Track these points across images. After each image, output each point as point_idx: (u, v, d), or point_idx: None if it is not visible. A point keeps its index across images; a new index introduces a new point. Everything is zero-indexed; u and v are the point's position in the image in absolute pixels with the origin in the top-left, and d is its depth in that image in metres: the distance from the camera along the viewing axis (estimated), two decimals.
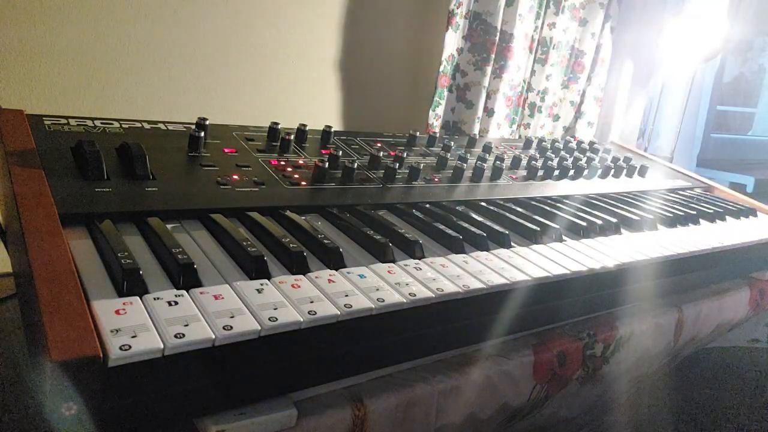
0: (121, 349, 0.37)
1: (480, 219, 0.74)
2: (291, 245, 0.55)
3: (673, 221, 0.92)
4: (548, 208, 0.84)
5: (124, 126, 0.76)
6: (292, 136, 0.85)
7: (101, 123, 0.76)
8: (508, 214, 0.78)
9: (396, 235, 0.64)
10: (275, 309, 0.45)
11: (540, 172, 1.00)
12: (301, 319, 0.45)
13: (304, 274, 0.52)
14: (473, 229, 0.69)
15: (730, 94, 2.78)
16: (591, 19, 1.66)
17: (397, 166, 0.82)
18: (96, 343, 0.37)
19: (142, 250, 0.52)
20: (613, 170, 1.12)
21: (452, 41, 1.40)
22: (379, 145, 0.95)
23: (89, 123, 0.75)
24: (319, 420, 0.49)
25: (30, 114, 0.71)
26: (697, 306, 0.88)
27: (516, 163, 1.02)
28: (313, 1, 1.28)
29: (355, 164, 0.78)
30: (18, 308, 0.70)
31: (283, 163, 0.78)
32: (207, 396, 0.43)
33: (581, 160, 1.10)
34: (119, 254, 0.46)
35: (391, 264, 0.58)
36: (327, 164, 0.75)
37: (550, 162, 1.03)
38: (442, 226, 0.68)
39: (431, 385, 0.57)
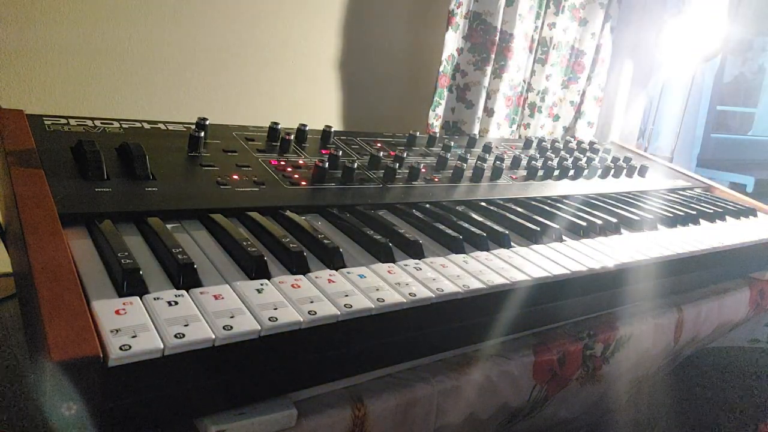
0: (121, 349, 0.37)
1: (480, 219, 0.74)
2: (291, 245, 0.55)
3: (673, 221, 0.92)
4: (548, 208, 0.84)
5: (124, 126, 0.76)
6: (292, 136, 0.85)
7: (101, 123, 0.76)
8: (508, 214, 0.78)
9: (396, 235, 0.64)
10: (275, 309, 0.45)
11: (540, 172, 1.00)
12: (301, 319, 0.45)
13: (304, 274, 0.52)
14: (473, 229, 0.69)
15: (730, 94, 2.78)
16: (591, 19, 1.66)
17: (397, 166, 0.82)
18: (96, 343, 0.37)
19: (142, 250, 0.52)
20: (613, 170, 1.12)
21: (452, 41, 1.40)
22: (379, 145, 0.95)
23: (89, 123, 0.75)
24: (319, 420, 0.49)
25: (30, 114, 0.71)
26: (697, 306, 0.88)
27: (516, 163, 1.02)
28: (313, 1, 1.28)
29: (355, 164, 0.78)
30: (18, 308, 0.70)
31: (283, 163, 0.78)
32: (207, 396, 0.43)
33: (581, 160, 1.10)
34: (119, 254, 0.46)
35: (391, 264, 0.58)
36: (327, 164, 0.75)
37: (550, 162, 1.03)
38: (442, 226, 0.68)
39: (431, 385, 0.57)
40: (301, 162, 0.80)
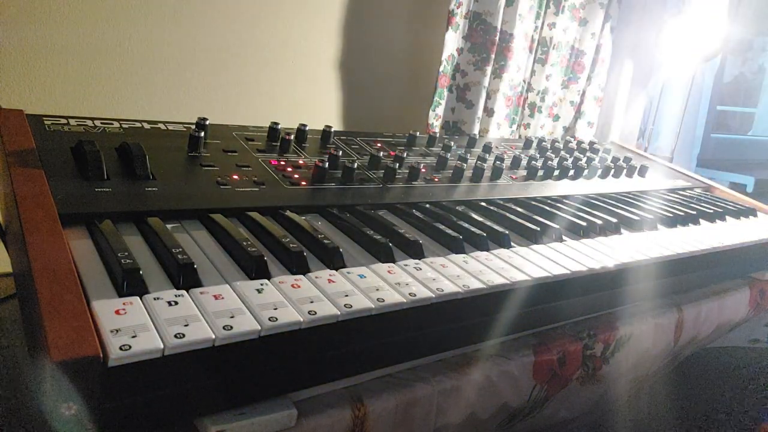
0: (121, 349, 0.37)
1: (480, 219, 0.74)
2: (291, 245, 0.55)
3: (673, 221, 0.92)
4: (548, 208, 0.84)
5: (124, 126, 0.76)
6: (292, 136, 0.85)
7: (101, 123, 0.76)
8: (508, 214, 0.78)
9: (396, 235, 0.64)
10: (275, 309, 0.45)
11: (540, 172, 1.00)
12: (301, 319, 0.45)
13: (304, 274, 0.52)
14: (473, 229, 0.69)
15: (730, 94, 2.78)
16: (591, 19, 1.66)
17: (397, 166, 0.82)
18: (96, 343, 0.37)
19: (142, 250, 0.52)
20: (613, 170, 1.12)
21: (452, 41, 1.40)
22: (379, 145, 0.95)
23: (89, 123, 0.75)
24: (319, 420, 0.49)
25: (30, 114, 0.71)
26: (697, 306, 0.88)
27: (516, 163, 1.02)
28: (313, 1, 1.27)
29: (355, 164, 0.78)
30: (18, 308, 0.70)
31: (283, 163, 0.78)
32: (207, 396, 0.43)
33: (581, 160, 1.10)
34: (119, 254, 0.46)
35: (391, 264, 0.58)
36: (327, 164, 0.75)
37: (550, 162, 1.03)
38: (442, 226, 0.68)
39: (431, 385, 0.57)
40: (301, 162, 0.80)
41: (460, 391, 0.59)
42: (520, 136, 1.65)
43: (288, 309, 0.46)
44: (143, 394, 0.39)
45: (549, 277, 0.63)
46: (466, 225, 0.70)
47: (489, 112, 1.51)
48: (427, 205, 0.76)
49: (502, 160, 0.96)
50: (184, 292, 0.46)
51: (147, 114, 1.11)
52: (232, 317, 0.43)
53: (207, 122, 0.78)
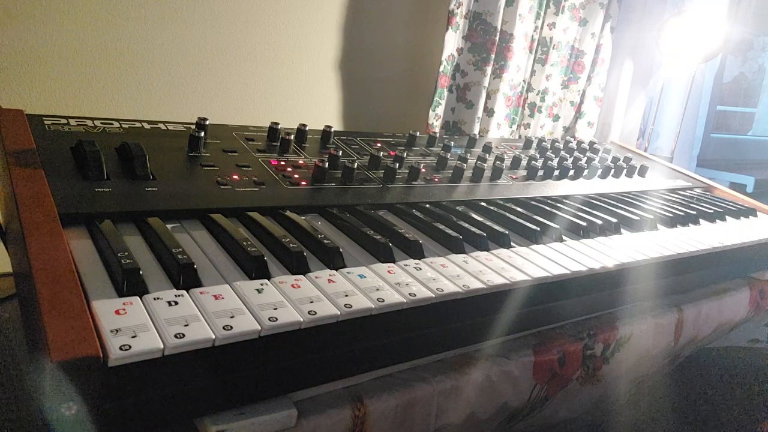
0: (121, 349, 0.37)
1: (480, 219, 0.74)
2: (291, 245, 0.55)
3: (673, 221, 0.92)
4: (548, 208, 0.84)
5: (124, 126, 0.76)
6: (292, 136, 0.85)
7: (101, 123, 0.76)
8: (508, 214, 0.78)
9: (396, 235, 0.64)
10: (275, 309, 0.45)
11: (540, 172, 1.00)
12: (301, 319, 0.45)
13: (304, 274, 0.52)
14: (473, 229, 0.69)
15: (730, 94, 2.78)
16: (591, 19, 1.66)
17: (397, 166, 0.82)
18: (96, 343, 0.37)
19: (142, 250, 0.52)
20: (613, 170, 1.12)
21: (452, 41, 1.40)
22: (379, 145, 0.95)
23: (89, 123, 0.75)
24: (319, 420, 0.49)
25: (30, 114, 0.71)
26: (697, 306, 0.88)
27: (516, 163, 1.02)
28: (313, 1, 1.28)
29: (355, 164, 0.78)
30: (18, 308, 0.70)
31: (283, 163, 0.78)
32: (207, 396, 0.43)
33: (581, 160, 1.10)
34: (119, 254, 0.46)
35: (391, 264, 0.58)
36: (327, 164, 0.75)
37: (550, 162, 1.03)
38: (442, 226, 0.68)
39: (431, 385, 0.57)
40: (301, 162, 0.80)
41: (460, 391, 0.59)
42: (520, 136, 1.65)
43: (288, 309, 0.46)
44: (143, 394, 0.39)
45: (549, 277, 0.63)
46: (466, 225, 0.70)
47: (489, 112, 1.51)
48: (427, 205, 0.76)
49: (502, 160, 0.96)
50: (184, 292, 0.46)
51: (147, 114, 1.11)
52: (232, 317, 0.43)
53: (207, 122, 0.78)
